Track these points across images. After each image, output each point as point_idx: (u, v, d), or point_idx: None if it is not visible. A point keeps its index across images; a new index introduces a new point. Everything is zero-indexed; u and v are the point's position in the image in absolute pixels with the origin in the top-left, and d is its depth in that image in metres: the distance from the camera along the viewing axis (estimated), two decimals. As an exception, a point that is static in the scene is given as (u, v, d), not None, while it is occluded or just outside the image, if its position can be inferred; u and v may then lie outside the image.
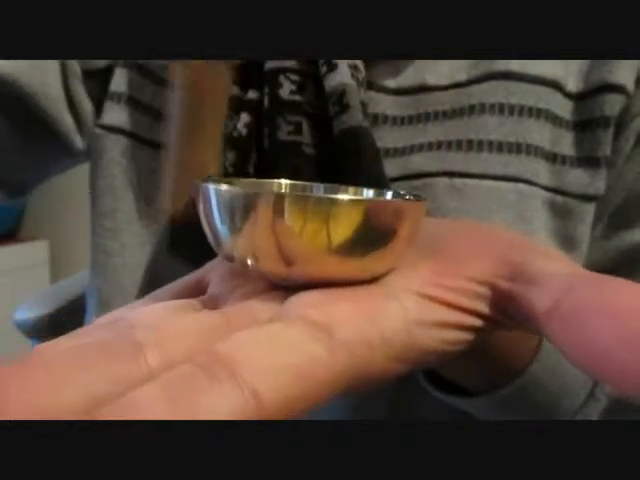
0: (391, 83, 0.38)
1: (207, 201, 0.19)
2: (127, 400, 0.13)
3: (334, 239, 0.18)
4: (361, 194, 0.25)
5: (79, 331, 0.17)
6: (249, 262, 0.19)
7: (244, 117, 0.36)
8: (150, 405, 0.13)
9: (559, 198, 0.37)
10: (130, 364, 0.15)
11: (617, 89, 0.36)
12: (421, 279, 0.19)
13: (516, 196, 0.36)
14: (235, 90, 0.37)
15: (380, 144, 0.36)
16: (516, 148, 0.36)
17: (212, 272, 0.22)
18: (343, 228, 0.18)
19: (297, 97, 0.36)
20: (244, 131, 0.36)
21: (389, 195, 0.24)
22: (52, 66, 0.41)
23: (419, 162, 0.36)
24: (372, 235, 0.19)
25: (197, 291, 0.22)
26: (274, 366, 0.15)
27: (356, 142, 0.34)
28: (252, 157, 0.35)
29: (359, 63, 0.36)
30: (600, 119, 0.36)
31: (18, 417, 0.13)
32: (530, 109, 0.36)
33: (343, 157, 0.34)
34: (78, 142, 0.43)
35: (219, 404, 0.14)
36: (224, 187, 0.19)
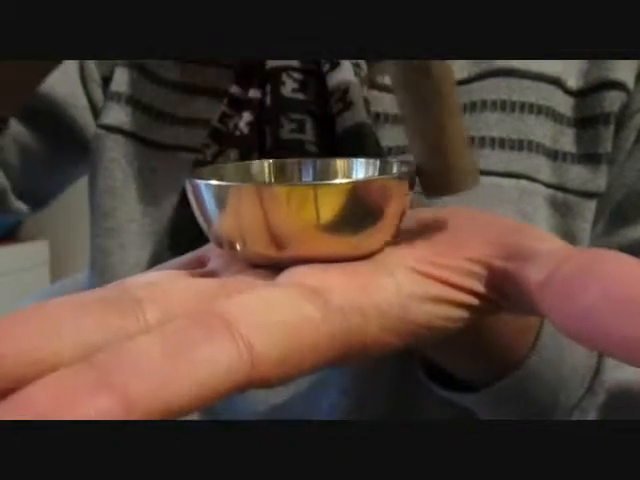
0: None
1: (198, 195, 0.20)
2: (123, 348, 0.14)
3: (322, 221, 0.19)
4: (351, 165, 0.25)
5: (80, 293, 0.17)
6: (238, 247, 0.20)
7: (246, 116, 0.36)
8: (145, 354, 0.14)
9: (560, 195, 0.37)
10: (129, 317, 0.15)
11: (617, 86, 0.36)
12: (416, 257, 0.20)
13: (517, 193, 0.36)
14: (236, 89, 0.37)
15: (382, 142, 0.36)
16: (517, 145, 0.36)
17: (212, 250, 0.23)
18: (329, 211, 0.19)
19: (300, 95, 0.35)
20: (246, 130, 0.36)
21: (377, 164, 0.24)
22: (74, 74, 0.43)
23: None
24: (360, 214, 0.19)
25: (198, 266, 0.22)
26: (269, 323, 0.15)
27: (359, 140, 0.34)
28: (254, 156, 0.35)
29: (361, 61, 0.36)
30: (601, 116, 0.36)
31: (16, 361, 0.13)
32: (531, 106, 0.36)
33: (346, 155, 0.34)
34: None
35: (215, 355, 0.14)
36: (213, 182, 0.20)
